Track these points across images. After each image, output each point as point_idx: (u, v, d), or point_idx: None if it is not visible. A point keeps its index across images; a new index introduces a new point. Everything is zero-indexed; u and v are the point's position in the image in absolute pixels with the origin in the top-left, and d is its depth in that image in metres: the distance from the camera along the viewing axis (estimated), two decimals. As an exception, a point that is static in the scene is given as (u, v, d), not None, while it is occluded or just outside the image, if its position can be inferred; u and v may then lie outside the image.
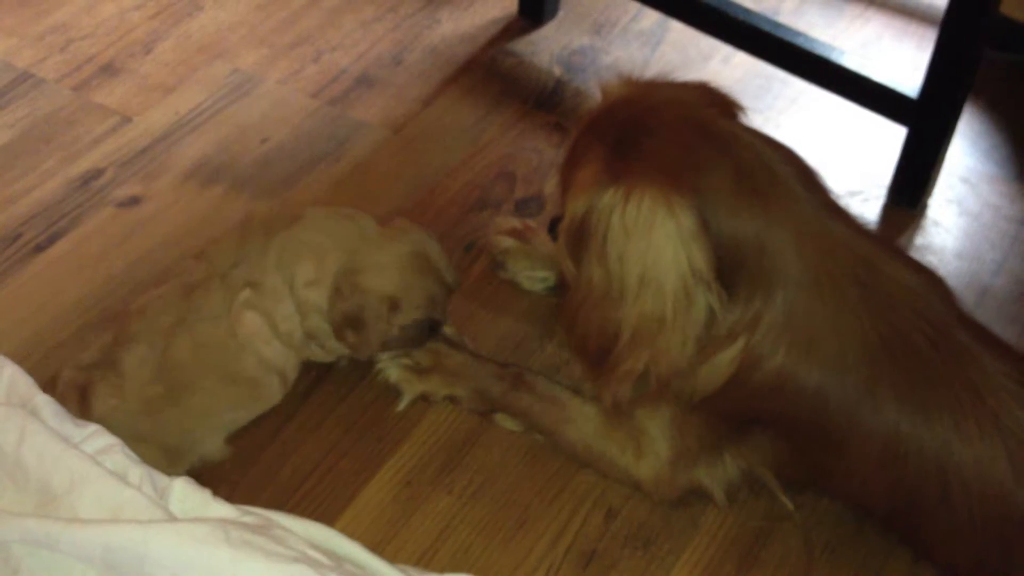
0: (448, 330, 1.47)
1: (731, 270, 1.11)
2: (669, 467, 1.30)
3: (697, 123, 1.13)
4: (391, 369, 1.44)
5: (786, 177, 1.12)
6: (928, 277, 1.18)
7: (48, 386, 1.25)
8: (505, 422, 1.42)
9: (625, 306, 1.12)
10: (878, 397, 1.13)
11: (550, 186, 1.72)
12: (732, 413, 1.23)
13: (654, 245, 1.08)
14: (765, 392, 1.16)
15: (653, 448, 1.30)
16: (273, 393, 1.37)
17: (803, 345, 1.13)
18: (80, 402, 1.26)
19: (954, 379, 1.12)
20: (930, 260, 1.66)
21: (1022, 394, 1.12)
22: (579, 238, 1.14)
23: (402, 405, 1.43)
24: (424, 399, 1.44)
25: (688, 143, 1.11)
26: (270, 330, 1.33)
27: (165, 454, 1.26)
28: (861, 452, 1.16)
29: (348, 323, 1.33)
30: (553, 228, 1.30)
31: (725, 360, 1.15)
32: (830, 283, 1.12)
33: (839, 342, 1.13)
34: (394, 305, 1.34)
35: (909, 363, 1.12)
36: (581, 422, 1.35)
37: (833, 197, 1.18)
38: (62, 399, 1.23)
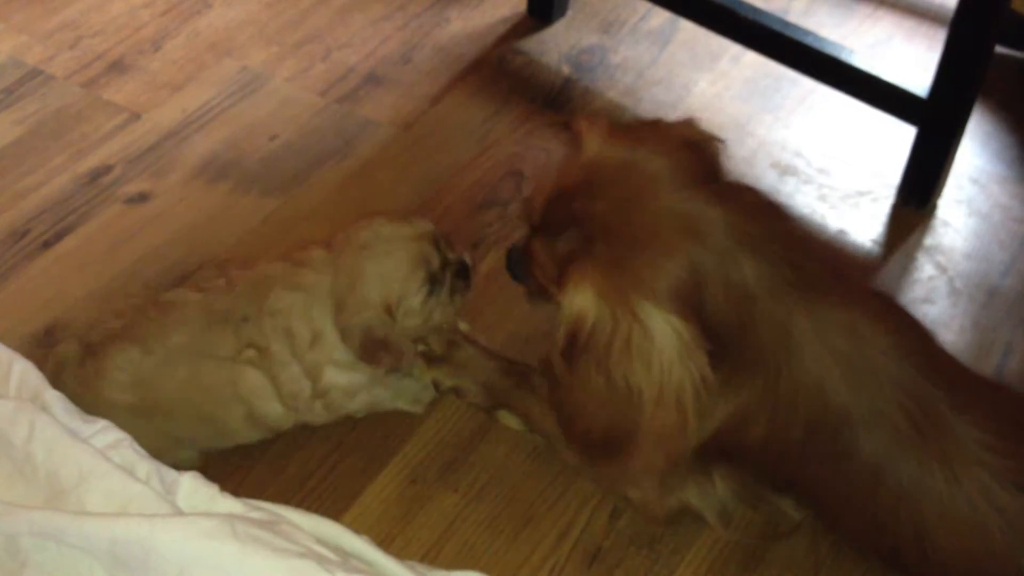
0: (463, 326, 1.47)
1: (718, 353, 1.11)
2: (658, 488, 1.29)
3: (684, 219, 1.09)
4: None
5: (770, 261, 1.10)
6: (906, 336, 1.14)
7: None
8: (508, 420, 1.42)
9: (643, 419, 1.12)
10: (855, 470, 1.13)
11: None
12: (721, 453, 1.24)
13: (666, 367, 1.08)
14: (750, 450, 1.19)
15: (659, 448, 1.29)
16: (249, 439, 1.36)
17: (783, 420, 1.13)
18: (53, 374, 1.26)
19: (931, 457, 1.10)
20: (939, 261, 1.66)
21: (997, 466, 1.09)
22: (575, 343, 1.12)
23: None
24: (433, 387, 1.44)
25: (680, 250, 1.08)
26: (273, 391, 1.31)
27: None
28: (844, 505, 1.19)
29: (373, 350, 1.30)
30: (516, 267, 1.27)
31: (709, 422, 1.16)
32: (813, 362, 1.11)
33: (822, 417, 1.12)
34: (388, 307, 1.30)
35: (888, 440, 1.11)
36: None
37: (813, 259, 1.14)
38: (42, 364, 1.24)
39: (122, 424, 1.24)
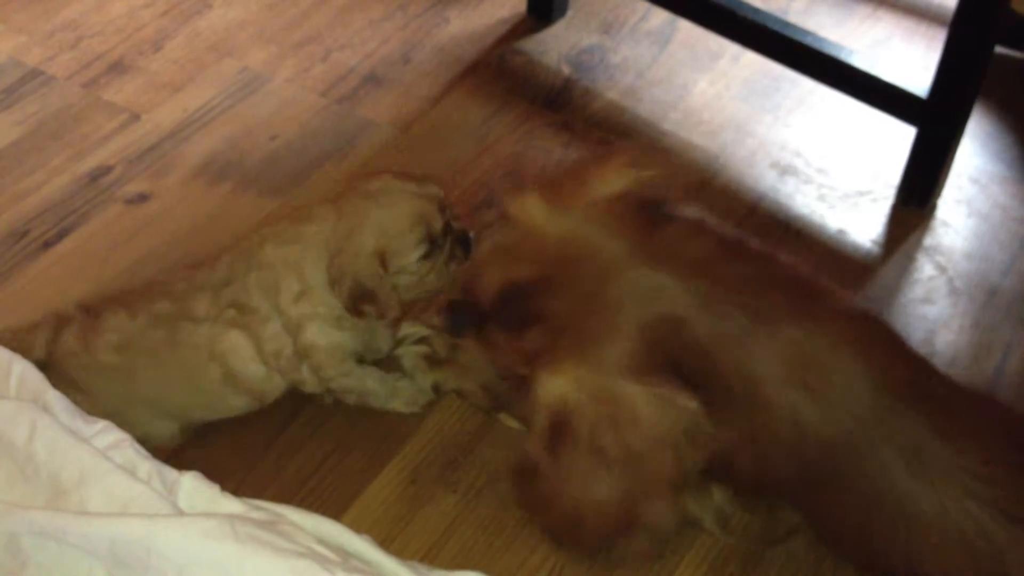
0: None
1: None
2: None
3: (639, 299, 1.10)
4: (407, 357, 1.45)
5: (718, 313, 1.10)
6: (879, 359, 1.12)
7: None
8: (508, 421, 1.42)
9: (643, 476, 1.12)
10: (848, 498, 1.13)
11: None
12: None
13: (656, 429, 1.09)
14: (743, 479, 1.19)
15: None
16: (232, 408, 1.36)
17: (768, 454, 1.14)
18: (52, 334, 1.30)
19: (920, 489, 1.09)
20: (939, 261, 1.66)
21: (986, 495, 1.07)
22: (557, 433, 1.12)
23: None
24: (434, 389, 1.44)
25: (642, 328, 1.09)
26: (254, 349, 1.32)
27: (104, 415, 1.24)
28: (840, 528, 1.19)
29: (358, 301, 1.30)
30: (459, 326, 1.26)
31: (700, 458, 1.16)
32: (782, 398, 1.10)
33: (805, 448, 1.12)
34: (382, 257, 1.29)
35: (876, 470, 1.10)
36: None
37: (772, 291, 1.14)
38: (29, 332, 1.30)
39: (109, 387, 1.27)
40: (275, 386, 1.36)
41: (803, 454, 1.12)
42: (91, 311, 1.33)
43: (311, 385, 1.38)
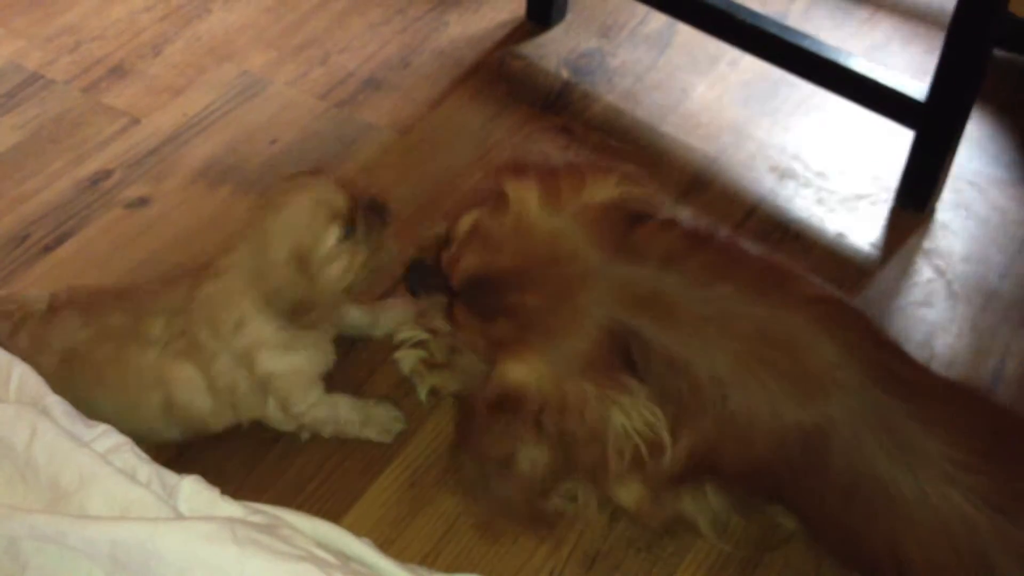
0: None
1: (664, 397, 1.14)
2: (649, 496, 1.29)
3: (610, 302, 1.13)
4: (405, 361, 1.46)
5: (681, 318, 1.12)
6: (856, 343, 1.12)
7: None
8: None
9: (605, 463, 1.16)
10: (829, 484, 1.13)
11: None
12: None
13: (618, 431, 1.13)
14: (729, 473, 1.20)
15: (634, 475, 1.29)
16: (159, 437, 1.34)
17: (748, 444, 1.14)
18: (13, 326, 1.29)
19: (900, 475, 1.08)
20: (937, 264, 1.66)
21: (968, 483, 1.07)
22: (504, 403, 1.15)
23: (422, 395, 1.45)
24: (433, 393, 1.44)
25: (608, 330, 1.12)
26: (205, 384, 1.29)
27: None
28: (823, 519, 1.19)
29: (300, 315, 1.26)
30: (417, 285, 1.29)
31: (675, 455, 1.17)
32: (754, 387, 1.11)
33: (784, 435, 1.12)
34: (299, 259, 1.24)
35: (856, 455, 1.10)
36: None
37: (738, 278, 1.15)
38: (6, 315, 1.30)
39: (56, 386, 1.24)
40: (219, 420, 1.33)
41: (783, 437, 1.12)
42: (53, 308, 1.31)
43: (281, 422, 1.35)
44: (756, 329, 1.11)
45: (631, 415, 1.12)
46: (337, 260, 1.26)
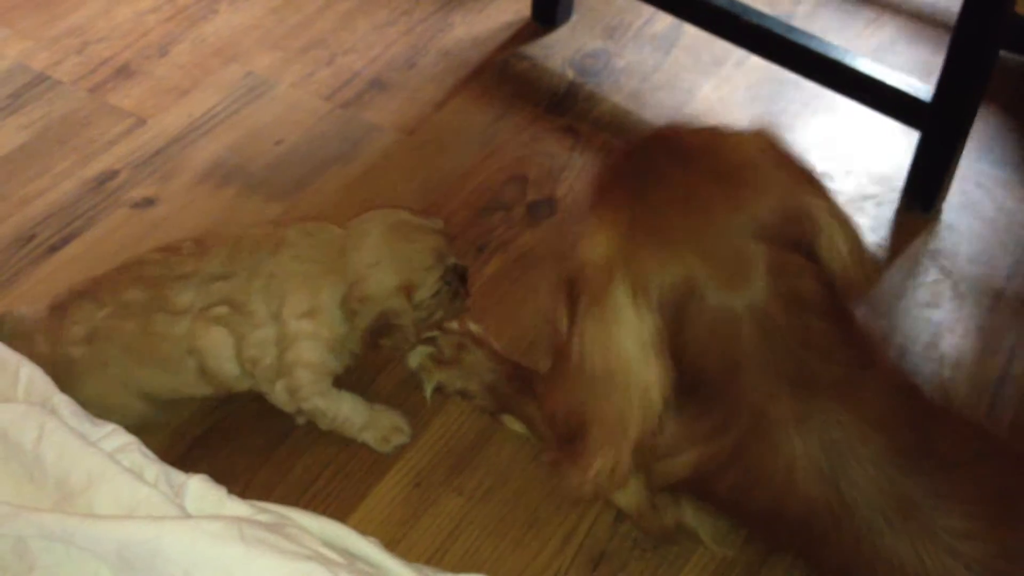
0: (474, 327, 1.48)
1: (690, 381, 1.08)
2: (649, 504, 1.29)
3: (735, 257, 1.04)
4: (414, 356, 1.46)
5: (776, 347, 1.05)
6: (896, 440, 1.08)
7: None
8: (512, 424, 1.42)
9: (590, 397, 1.09)
10: (828, 553, 1.11)
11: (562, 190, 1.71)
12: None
13: (619, 346, 1.05)
14: (722, 500, 1.18)
15: (636, 482, 1.28)
16: (201, 394, 1.35)
17: (751, 487, 1.11)
18: (27, 342, 1.28)
19: (901, 549, 1.06)
20: (943, 264, 1.66)
21: (971, 554, 1.04)
22: (573, 294, 1.09)
23: (427, 392, 1.45)
24: (439, 390, 1.45)
25: (705, 278, 1.03)
26: (233, 350, 1.31)
27: (86, 405, 1.22)
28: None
29: (377, 334, 1.31)
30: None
31: (679, 463, 1.15)
32: (785, 451, 1.07)
33: (789, 501, 1.09)
34: (408, 289, 1.31)
35: (859, 534, 1.08)
36: None
37: (831, 362, 1.07)
38: (21, 331, 1.30)
39: (82, 379, 1.27)
40: (243, 386, 1.35)
41: (785, 503, 1.10)
42: (57, 308, 1.32)
43: (281, 402, 1.36)
44: (810, 411, 1.06)
45: (651, 357, 1.04)
46: (424, 309, 1.33)
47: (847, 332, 1.09)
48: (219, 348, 1.30)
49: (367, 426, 1.38)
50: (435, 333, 1.47)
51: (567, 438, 1.14)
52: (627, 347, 1.04)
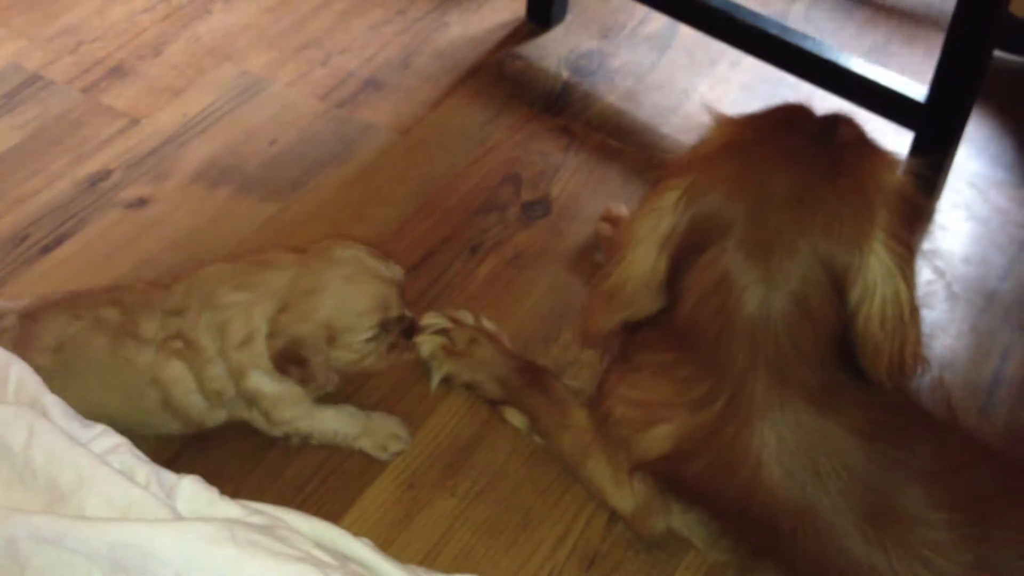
0: (488, 324, 1.48)
1: (688, 331, 1.11)
2: (644, 507, 1.29)
3: (790, 244, 1.06)
4: (426, 345, 1.46)
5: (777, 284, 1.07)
6: (879, 411, 1.10)
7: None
8: (513, 418, 1.43)
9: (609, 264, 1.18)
10: (797, 552, 1.11)
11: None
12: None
13: (640, 226, 1.14)
14: (689, 487, 1.19)
15: (630, 484, 1.29)
16: (168, 429, 1.34)
17: (719, 472, 1.12)
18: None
19: (873, 553, 1.07)
20: (937, 265, 1.66)
21: (942, 567, 1.05)
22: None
23: (434, 382, 1.46)
24: (446, 381, 1.45)
25: (756, 253, 1.06)
26: (195, 384, 1.30)
27: None
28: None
29: (285, 362, 1.28)
30: None
31: (660, 434, 1.16)
32: (756, 432, 1.09)
33: (755, 496, 1.10)
34: (330, 332, 1.27)
35: (826, 536, 1.09)
36: (575, 431, 1.35)
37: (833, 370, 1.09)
38: None
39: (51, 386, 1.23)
40: (215, 417, 1.34)
41: (752, 497, 1.10)
42: (29, 316, 1.31)
43: (262, 428, 1.35)
44: (798, 412, 1.08)
45: (667, 215, 1.12)
46: (353, 352, 1.30)
47: (841, 364, 1.10)
48: (180, 381, 1.29)
49: (363, 434, 1.38)
50: (449, 324, 1.46)
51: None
52: (642, 230, 1.13)
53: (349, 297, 1.28)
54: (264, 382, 1.30)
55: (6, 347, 1.28)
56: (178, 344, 1.29)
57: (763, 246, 1.06)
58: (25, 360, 1.27)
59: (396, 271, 1.33)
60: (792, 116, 1.14)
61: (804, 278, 1.05)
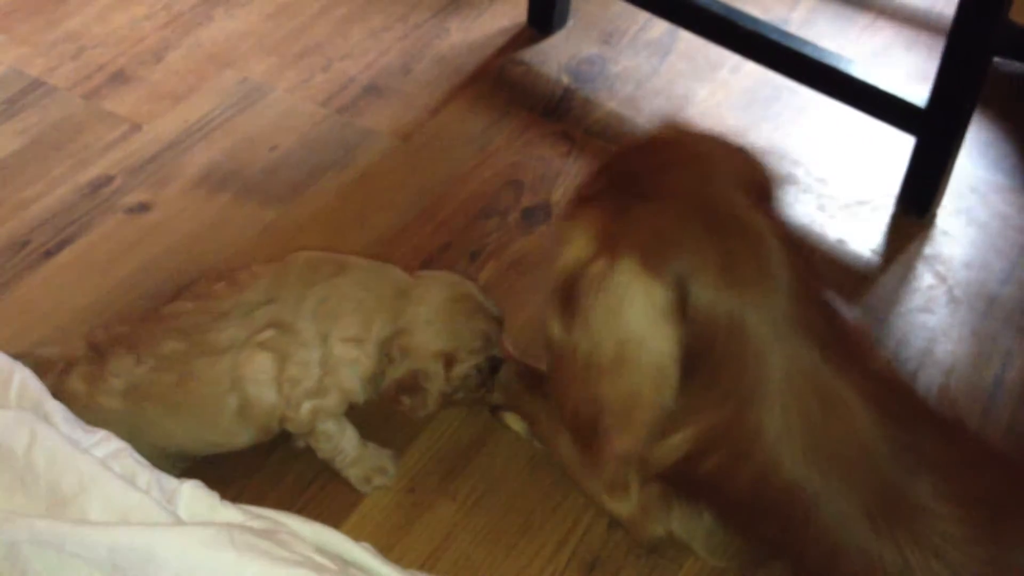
0: None
1: (696, 355, 1.07)
2: (641, 512, 1.29)
3: (705, 199, 1.07)
4: None
5: (776, 276, 1.06)
6: (894, 421, 1.09)
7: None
8: (512, 422, 1.43)
9: (603, 383, 1.09)
10: (811, 538, 1.10)
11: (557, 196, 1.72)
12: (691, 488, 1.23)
13: (630, 322, 1.05)
14: (704, 485, 1.17)
15: (627, 489, 1.28)
16: (237, 444, 1.34)
17: (736, 463, 1.11)
18: (59, 375, 1.27)
19: (886, 546, 1.06)
20: (938, 270, 1.66)
21: (959, 559, 1.05)
22: (567, 299, 1.10)
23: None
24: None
25: (684, 218, 1.05)
26: (274, 372, 1.28)
27: None
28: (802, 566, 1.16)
29: (403, 390, 1.31)
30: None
31: (676, 442, 1.14)
32: (791, 400, 1.07)
33: (771, 479, 1.09)
34: (449, 360, 1.30)
35: (842, 520, 1.08)
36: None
37: (820, 298, 1.10)
38: (47, 366, 1.26)
39: (113, 430, 1.25)
40: (275, 421, 1.32)
41: (767, 483, 1.10)
42: (98, 349, 1.30)
43: (301, 422, 1.33)
44: (808, 371, 1.08)
45: (663, 326, 1.04)
46: (452, 384, 1.33)
47: (838, 324, 1.11)
48: (260, 373, 1.27)
49: (355, 462, 1.37)
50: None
51: (587, 439, 1.15)
52: (637, 321, 1.04)
53: (464, 333, 1.32)
54: (350, 380, 1.30)
55: (78, 382, 1.28)
56: (268, 333, 1.28)
57: (727, 230, 1.06)
58: (95, 401, 1.27)
59: (498, 310, 1.37)
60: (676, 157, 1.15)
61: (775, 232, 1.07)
